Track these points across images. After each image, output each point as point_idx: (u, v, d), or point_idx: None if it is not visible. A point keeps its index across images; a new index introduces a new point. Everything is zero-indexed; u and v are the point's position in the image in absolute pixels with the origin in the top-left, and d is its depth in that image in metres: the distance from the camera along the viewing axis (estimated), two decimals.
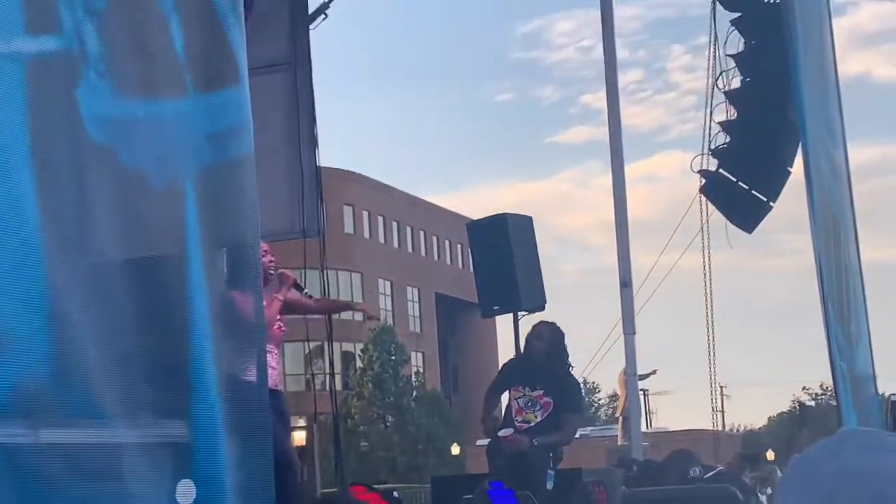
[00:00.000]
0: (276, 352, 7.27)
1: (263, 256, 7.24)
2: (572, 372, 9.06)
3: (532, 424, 8.59)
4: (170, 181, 3.20)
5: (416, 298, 59.82)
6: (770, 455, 30.01)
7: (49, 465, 2.62)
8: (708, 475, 10.81)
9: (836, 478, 1.57)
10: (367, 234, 56.38)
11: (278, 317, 7.39)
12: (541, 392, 8.62)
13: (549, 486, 8.29)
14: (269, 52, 9.50)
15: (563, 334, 8.86)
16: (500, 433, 8.50)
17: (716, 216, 14.39)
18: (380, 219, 57.30)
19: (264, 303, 6.34)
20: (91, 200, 2.88)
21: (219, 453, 3.18)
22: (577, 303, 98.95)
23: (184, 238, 3.21)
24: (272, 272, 7.13)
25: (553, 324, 9.03)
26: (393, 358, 49.21)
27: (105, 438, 2.78)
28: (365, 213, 56.01)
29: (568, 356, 8.89)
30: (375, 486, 7.74)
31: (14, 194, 2.66)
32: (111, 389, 2.80)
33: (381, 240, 57.70)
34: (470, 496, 7.85)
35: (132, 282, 2.97)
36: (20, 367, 2.63)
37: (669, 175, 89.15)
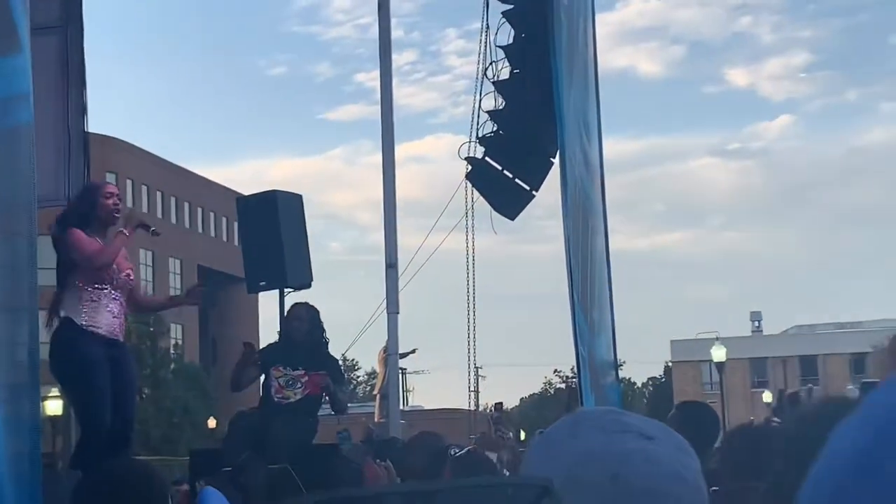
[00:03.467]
0: (122, 300, 7.19)
1: (108, 199, 7.22)
2: (330, 349, 9.23)
3: (291, 401, 8.73)
4: None
5: (178, 270, 58.82)
6: (522, 435, 30.90)
7: None
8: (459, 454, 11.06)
9: (575, 458, 1.62)
10: (130, 203, 55.03)
11: (129, 267, 7.36)
12: (302, 371, 8.76)
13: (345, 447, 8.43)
14: (40, 15, 9.26)
15: (318, 312, 9.07)
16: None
17: (482, 201, 14.75)
18: (143, 188, 56.05)
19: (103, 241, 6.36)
20: None
21: None
22: (342, 280, 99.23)
23: None
24: (117, 215, 7.33)
25: (308, 304, 9.24)
26: (151, 329, 48.32)
27: None
28: (128, 182, 54.65)
29: (325, 333, 9.08)
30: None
31: None
32: None
33: (145, 209, 56.45)
34: (228, 469, 7.91)
35: None
36: None
37: (439, 157, 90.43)
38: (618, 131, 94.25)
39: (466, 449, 9.13)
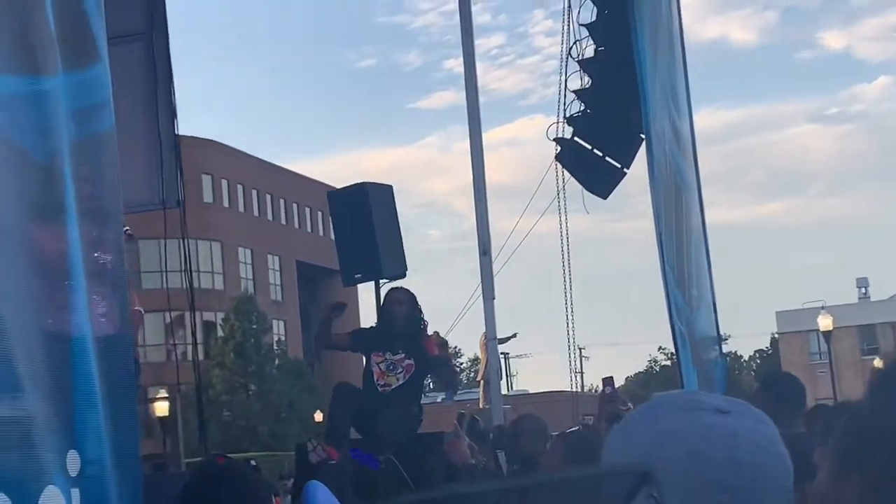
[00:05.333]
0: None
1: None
2: (430, 335, 9.23)
3: (394, 387, 8.75)
4: (49, 156, 3.24)
5: (277, 266, 59.46)
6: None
7: None
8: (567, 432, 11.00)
9: (653, 440, 1.64)
10: (226, 203, 55.80)
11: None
12: (402, 355, 8.78)
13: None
14: (125, 23, 9.39)
15: (415, 296, 9.10)
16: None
17: (574, 181, 14.64)
18: (239, 187, 56.72)
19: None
20: None
21: (97, 426, 3.25)
22: (440, 268, 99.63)
23: (63, 211, 3.26)
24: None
25: (406, 289, 9.28)
26: (255, 327, 48.95)
27: (21, 412, 2.83)
28: (224, 182, 55.39)
29: (424, 316, 9.09)
30: (230, 456, 7.80)
31: None
32: (22, 364, 2.85)
33: (241, 208, 57.15)
34: (334, 461, 7.97)
35: (27, 257, 3.01)
36: None
37: (531, 139, 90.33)
38: (712, 102, 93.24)
39: (575, 428, 9.06)
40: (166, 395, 32.91)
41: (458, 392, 50.47)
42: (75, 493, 3.07)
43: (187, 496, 3.55)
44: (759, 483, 1.62)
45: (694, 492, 1.60)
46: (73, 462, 3.09)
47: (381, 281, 10.66)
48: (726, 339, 36.16)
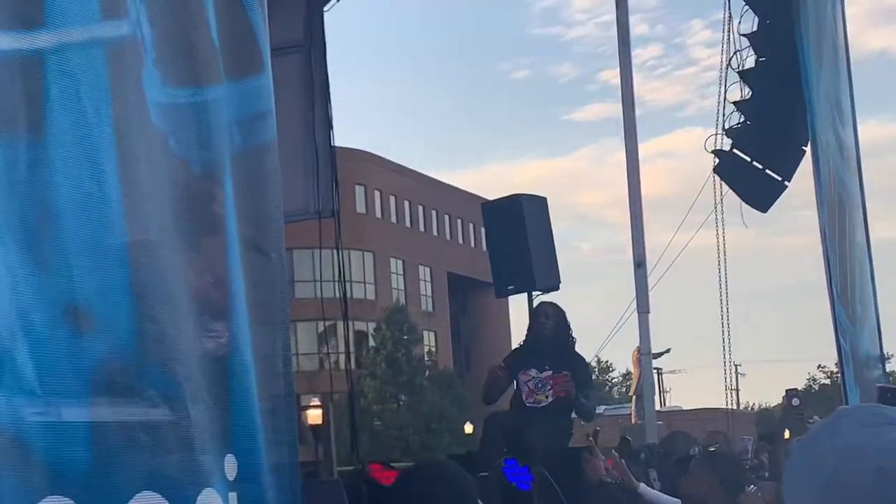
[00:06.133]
0: None
1: None
2: (577, 349, 9.11)
3: (543, 404, 8.66)
4: (208, 167, 3.28)
5: (428, 278, 59.86)
6: (787, 434, 29.92)
7: (133, 443, 2.71)
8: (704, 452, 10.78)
9: (837, 456, 1.58)
10: (378, 214, 56.42)
11: None
12: (550, 373, 8.68)
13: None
14: (284, 34, 9.54)
15: (563, 311, 8.99)
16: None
17: (732, 194, 14.40)
18: (392, 198, 57.29)
19: None
20: (155, 186, 2.97)
21: (254, 430, 3.28)
22: (593, 281, 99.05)
23: (223, 223, 3.29)
24: None
25: (554, 303, 9.17)
26: (406, 337, 49.31)
27: (178, 416, 2.87)
28: (377, 193, 56.02)
29: (572, 331, 8.97)
30: (393, 465, 7.83)
31: (101, 178, 2.74)
32: (179, 367, 2.90)
33: (393, 219, 57.72)
34: (485, 473, 7.92)
35: (184, 264, 3.05)
36: (107, 343, 2.71)
37: (689, 151, 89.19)
38: (877, 114, 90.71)
39: (710, 448, 8.87)
40: (319, 404, 33.35)
41: (611, 407, 50.06)
42: (233, 496, 3.09)
43: (400, 496, 3.60)
44: None
45: None
46: (230, 466, 3.11)
47: (533, 293, 10.60)
48: (889, 359, 35.06)
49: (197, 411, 2.93)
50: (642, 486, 7.04)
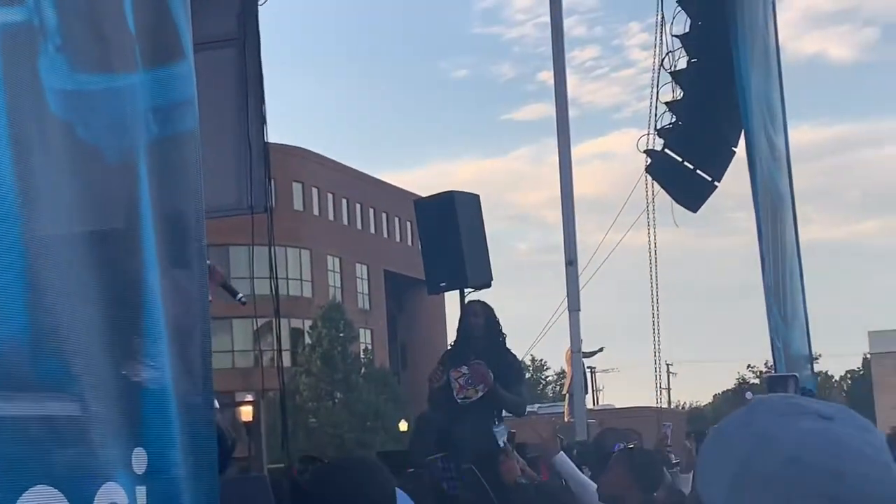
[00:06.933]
0: None
1: None
2: (509, 347, 9.13)
3: (473, 399, 8.67)
4: (123, 156, 3.23)
5: (364, 275, 59.74)
6: None
7: (25, 436, 2.67)
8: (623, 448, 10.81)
9: (751, 444, 1.56)
10: (316, 211, 56.18)
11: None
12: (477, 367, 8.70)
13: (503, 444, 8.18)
14: (217, 28, 9.45)
15: (492, 308, 9.00)
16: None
17: (663, 194, 14.50)
18: (329, 196, 57.09)
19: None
20: (55, 175, 2.91)
21: (168, 424, 3.24)
22: (529, 280, 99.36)
23: (137, 213, 3.24)
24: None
25: (482, 300, 9.20)
26: (342, 335, 49.18)
27: (75, 409, 2.82)
28: (314, 190, 55.79)
29: (502, 328, 8.98)
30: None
31: None
32: (78, 360, 2.85)
33: (331, 216, 57.52)
34: (413, 470, 7.91)
35: (92, 255, 3.00)
36: (0, 336, 2.66)
37: (624, 152, 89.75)
38: (809, 118, 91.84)
39: (631, 444, 8.93)
40: (251, 400, 33.21)
41: (545, 405, 50.23)
42: (141, 490, 3.05)
43: (300, 497, 3.58)
44: (866, 495, 1.52)
45: (794, 502, 1.52)
46: (139, 459, 3.07)
47: (466, 290, 10.60)
48: (817, 359, 35.50)
49: (98, 405, 2.88)
50: (560, 455, 7.02)
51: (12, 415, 2.65)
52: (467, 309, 9.16)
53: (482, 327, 8.84)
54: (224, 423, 7.61)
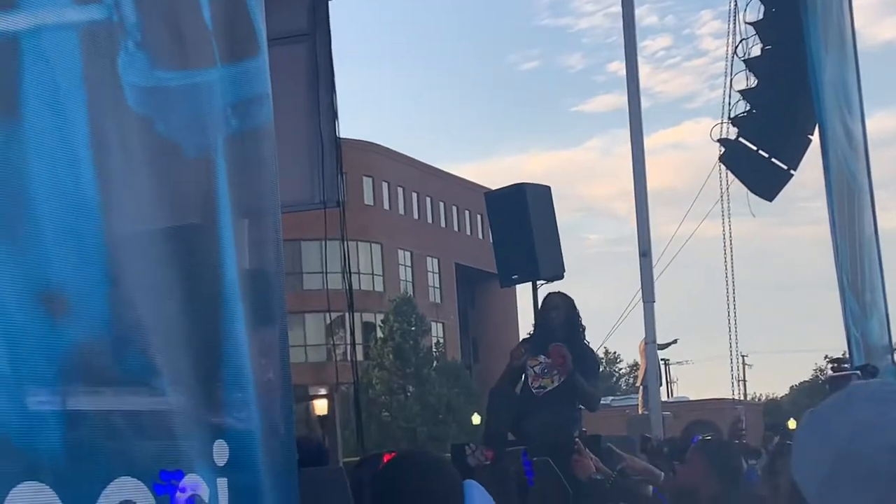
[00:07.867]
0: None
1: None
2: (587, 340, 9.07)
3: (549, 389, 8.65)
4: (201, 151, 3.25)
5: (436, 269, 59.83)
6: (792, 424, 29.89)
7: (109, 429, 2.70)
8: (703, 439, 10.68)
9: (849, 432, 1.55)
10: (386, 205, 56.38)
11: None
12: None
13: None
14: (288, 24, 9.50)
15: (573, 300, 8.96)
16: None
17: (738, 184, 14.34)
18: (399, 189, 57.25)
19: None
20: (135, 171, 2.94)
21: (248, 416, 3.26)
22: (600, 272, 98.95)
23: (215, 208, 3.27)
24: None
25: (563, 293, 9.14)
26: (413, 328, 49.32)
27: (158, 403, 2.86)
28: (384, 184, 55.98)
29: (581, 320, 8.93)
30: None
31: (75, 164, 2.72)
32: (160, 354, 2.88)
33: (401, 210, 57.68)
34: (489, 462, 7.90)
35: (171, 250, 3.03)
36: (82, 329, 2.69)
37: (697, 143, 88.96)
38: (886, 105, 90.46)
39: (710, 435, 8.83)
40: (325, 394, 33.41)
41: (618, 398, 49.99)
42: (222, 482, 3.07)
43: (379, 488, 3.58)
44: None
45: (894, 490, 1.50)
46: (220, 452, 3.09)
47: (538, 282, 10.56)
48: None
49: (180, 397, 2.91)
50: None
51: (96, 409, 2.68)
52: (547, 302, 9.09)
53: (562, 319, 8.81)
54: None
